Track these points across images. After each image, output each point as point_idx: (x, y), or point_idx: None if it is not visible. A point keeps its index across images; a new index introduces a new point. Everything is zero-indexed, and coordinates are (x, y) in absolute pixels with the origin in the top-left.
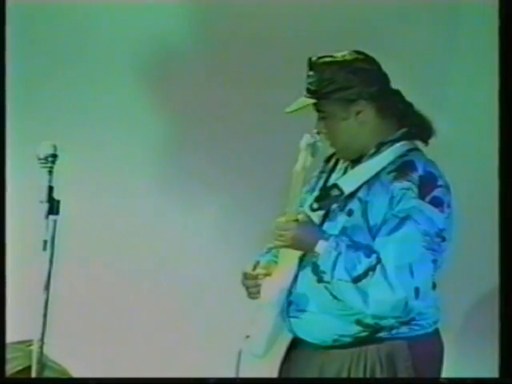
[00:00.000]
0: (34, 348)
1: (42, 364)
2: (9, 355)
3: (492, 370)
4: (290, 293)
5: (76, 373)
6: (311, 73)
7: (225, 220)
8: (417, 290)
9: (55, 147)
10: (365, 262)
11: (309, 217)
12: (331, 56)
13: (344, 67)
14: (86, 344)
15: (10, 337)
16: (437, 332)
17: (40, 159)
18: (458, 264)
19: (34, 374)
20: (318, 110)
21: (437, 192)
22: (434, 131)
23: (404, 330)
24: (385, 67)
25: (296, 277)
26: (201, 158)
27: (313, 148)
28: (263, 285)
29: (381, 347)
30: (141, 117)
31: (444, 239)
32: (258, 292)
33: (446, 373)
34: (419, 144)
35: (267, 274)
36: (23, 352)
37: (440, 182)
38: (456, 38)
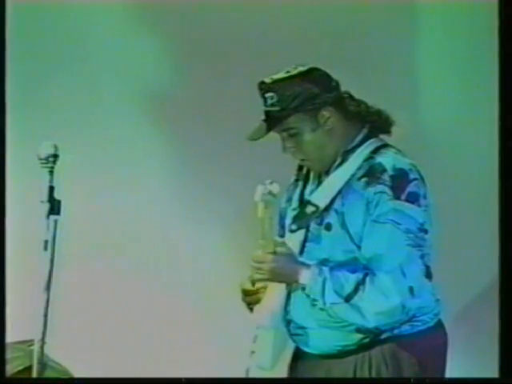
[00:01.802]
0: (35, 348)
1: (43, 364)
2: (9, 355)
3: (492, 370)
4: (287, 312)
5: (77, 373)
6: (270, 94)
7: (232, 231)
8: (411, 289)
9: (56, 147)
10: (352, 279)
11: (287, 248)
12: (284, 73)
13: (302, 79)
14: (87, 344)
15: (11, 337)
16: (439, 324)
17: (41, 159)
18: (457, 263)
19: (34, 374)
20: (285, 129)
21: (411, 187)
22: (393, 121)
23: (406, 327)
24: (384, 67)
25: (289, 294)
26: (201, 155)
27: (270, 195)
28: (255, 308)
29: (384, 347)
30: (142, 116)
31: (426, 231)
32: None
33: (446, 373)
34: (385, 137)
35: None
36: (24, 352)
37: (412, 176)
38: (456, 37)
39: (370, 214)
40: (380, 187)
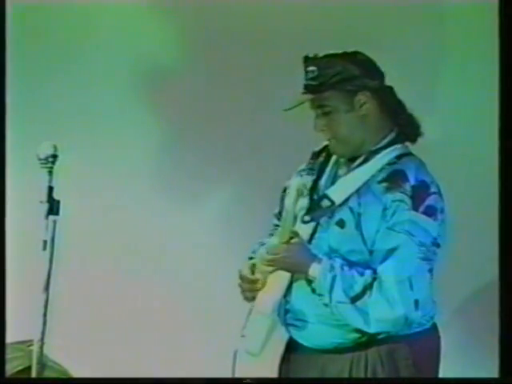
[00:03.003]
0: (35, 348)
1: (43, 364)
2: (9, 355)
3: (492, 370)
4: (286, 301)
5: (76, 373)
6: (312, 68)
7: (225, 219)
8: (416, 302)
9: (55, 147)
10: (360, 281)
11: (301, 238)
12: (330, 52)
13: (345, 60)
14: (87, 344)
15: (10, 337)
16: (434, 327)
17: (40, 159)
18: (458, 264)
19: (34, 374)
20: (320, 106)
21: (429, 200)
22: (422, 132)
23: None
24: (384, 67)
25: (290, 285)
26: (201, 157)
27: (304, 187)
28: (257, 297)
29: (381, 347)
30: (140, 116)
31: (439, 246)
32: (254, 297)
33: (446, 373)
34: (408, 145)
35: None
36: (23, 352)
37: (432, 189)
38: (456, 37)
39: (386, 221)
40: (399, 195)
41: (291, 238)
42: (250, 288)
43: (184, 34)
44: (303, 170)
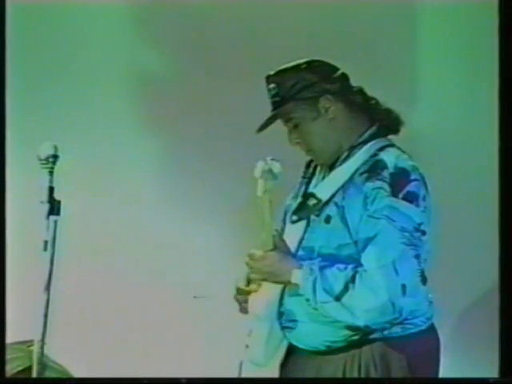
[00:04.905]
0: (35, 348)
1: (43, 364)
2: (9, 355)
3: (492, 370)
4: (280, 304)
5: (77, 373)
6: (272, 85)
7: (227, 228)
8: (403, 287)
9: (56, 148)
10: (341, 277)
11: (285, 245)
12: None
13: (301, 69)
14: (87, 344)
15: (11, 337)
16: (432, 328)
17: (41, 160)
18: (457, 263)
19: (34, 375)
20: (288, 119)
21: (410, 187)
22: (402, 122)
23: (396, 329)
24: (385, 66)
25: (284, 287)
26: (203, 159)
27: (270, 173)
28: (250, 299)
29: (374, 348)
30: (142, 117)
31: (424, 233)
32: None
33: (446, 373)
34: (392, 137)
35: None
36: (24, 352)
37: (413, 177)
38: (456, 37)
39: (366, 209)
40: (378, 183)
41: (274, 244)
42: (245, 299)
43: (181, 39)
44: (298, 183)
